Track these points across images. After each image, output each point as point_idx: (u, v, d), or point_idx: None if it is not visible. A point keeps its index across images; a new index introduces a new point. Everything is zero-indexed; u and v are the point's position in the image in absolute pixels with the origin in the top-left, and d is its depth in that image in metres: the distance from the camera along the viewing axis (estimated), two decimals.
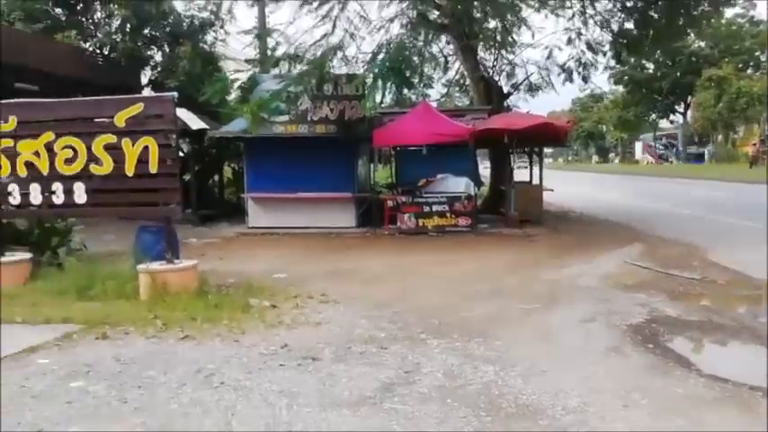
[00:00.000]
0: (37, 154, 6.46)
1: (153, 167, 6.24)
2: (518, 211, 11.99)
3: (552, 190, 13.91)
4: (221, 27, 17.99)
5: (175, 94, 6.59)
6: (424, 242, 10.55)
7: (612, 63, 18.55)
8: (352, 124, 11.79)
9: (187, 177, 12.91)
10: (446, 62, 17.81)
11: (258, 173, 12.33)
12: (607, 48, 15.83)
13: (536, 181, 13.81)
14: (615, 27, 15.04)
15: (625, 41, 15.28)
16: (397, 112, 13.58)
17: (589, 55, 15.70)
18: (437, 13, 13.52)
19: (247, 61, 14.32)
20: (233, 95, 13.12)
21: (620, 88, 53.90)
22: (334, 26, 11.05)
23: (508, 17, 12.67)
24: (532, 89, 17.02)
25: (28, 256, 6.92)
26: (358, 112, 11.88)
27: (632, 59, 32.19)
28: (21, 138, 6.50)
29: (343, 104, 11.83)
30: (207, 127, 13.06)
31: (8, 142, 6.52)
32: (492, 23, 13.70)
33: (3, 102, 6.76)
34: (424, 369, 4.04)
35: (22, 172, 6.51)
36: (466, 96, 24.58)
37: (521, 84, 16.80)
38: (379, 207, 12.06)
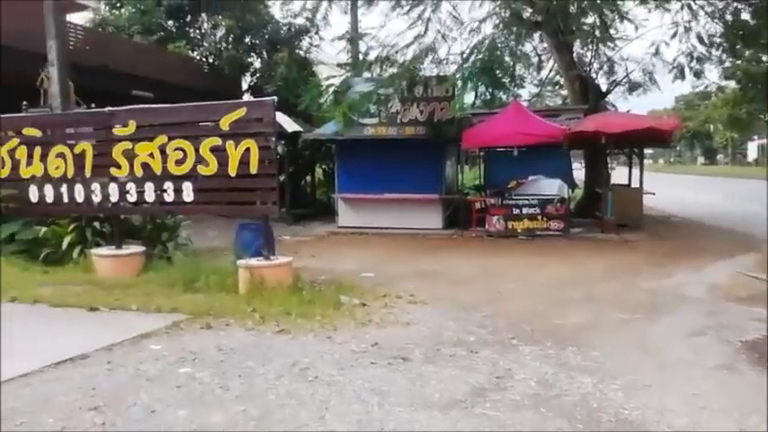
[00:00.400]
0: (152, 155, 6.99)
1: (253, 168, 6.54)
2: (615, 215, 11.40)
3: (653, 193, 13.09)
4: (316, 33, 18.67)
5: (275, 98, 6.86)
6: (513, 245, 10.31)
7: (723, 57, 17.13)
8: (441, 126, 11.75)
9: (282, 178, 13.46)
10: (540, 61, 17.29)
11: (348, 174, 12.63)
12: (719, 41, 14.66)
13: (635, 183, 13.06)
14: (729, 18, 13.89)
15: (741, 33, 14.07)
16: (487, 112, 13.37)
17: (701, 48, 14.62)
18: (530, 10, 13.16)
19: (339, 65, 14.71)
20: (326, 99, 13.54)
21: (732, 84, 49.55)
22: (426, 28, 11.09)
23: (606, 12, 12.08)
24: (633, 87, 16.10)
25: (141, 249, 7.50)
26: (447, 113, 11.82)
27: (747, 52, 29.49)
28: (138, 140, 7.07)
29: (432, 106, 11.81)
30: (301, 129, 13.56)
31: (127, 145, 7.12)
32: (589, 19, 13.12)
33: (126, 108, 7.44)
34: (516, 376, 3.95)
35: (139, 172, 7.08)
36: (557, 96, 23.74)
37: (620, 81, 15.94)
38: (466, 209, 11.93)
